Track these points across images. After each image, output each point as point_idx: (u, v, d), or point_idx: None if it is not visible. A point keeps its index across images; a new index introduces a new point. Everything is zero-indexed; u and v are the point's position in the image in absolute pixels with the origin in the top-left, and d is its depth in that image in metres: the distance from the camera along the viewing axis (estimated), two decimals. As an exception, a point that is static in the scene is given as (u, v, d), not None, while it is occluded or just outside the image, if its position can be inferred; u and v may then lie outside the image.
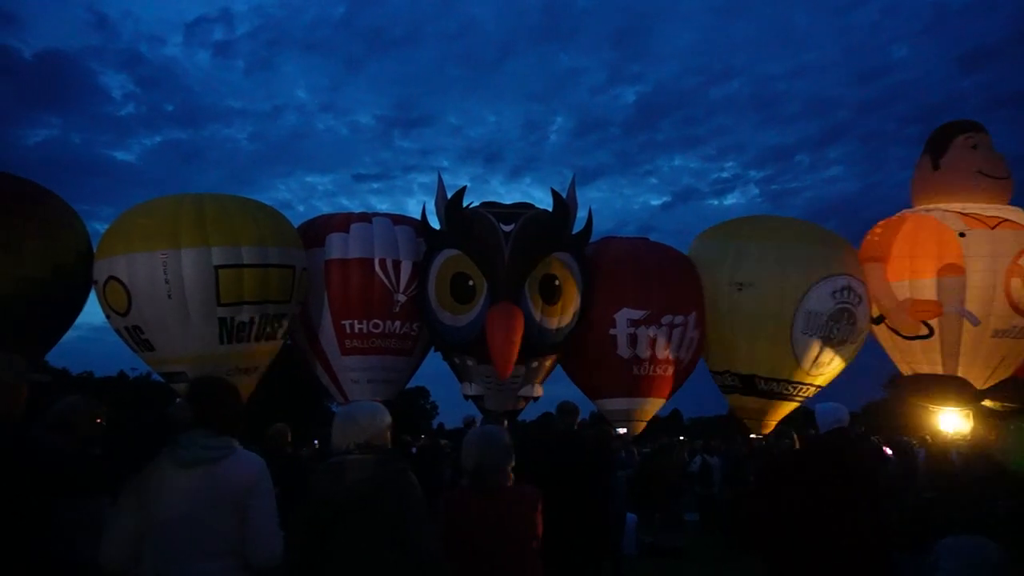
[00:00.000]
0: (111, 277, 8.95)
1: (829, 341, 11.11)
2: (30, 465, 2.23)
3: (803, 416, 13.02)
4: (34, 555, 2.23)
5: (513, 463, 2.94)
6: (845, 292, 11.12)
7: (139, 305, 8.87)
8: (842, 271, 11.18)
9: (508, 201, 10.79)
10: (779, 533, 3.37)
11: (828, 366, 11.40)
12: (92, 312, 10.13)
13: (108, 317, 9.36)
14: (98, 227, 9.91)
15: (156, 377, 10.51)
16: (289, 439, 6.90)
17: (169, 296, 8.74)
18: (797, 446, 6.07)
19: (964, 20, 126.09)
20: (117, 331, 9.40)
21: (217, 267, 8.88)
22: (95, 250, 9.45)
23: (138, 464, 2.40)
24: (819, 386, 11.62)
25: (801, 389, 11.44)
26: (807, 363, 11.15)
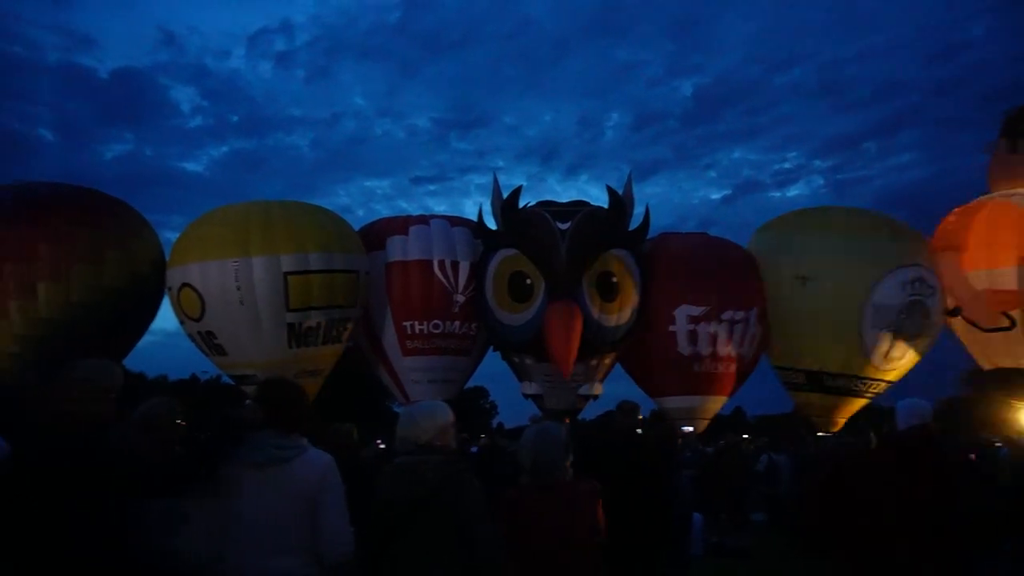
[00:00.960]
0: (185, 284, 9.28)
1: (900, 335, 10.69)
2: (116, 466, 2.32)
3: (872, 414, 12.58)
4: (119, 552, 2.31)
5: (571, 459, 2.92)
6: (917, 284, 10.69)
7: (212, 311, 9.18)
8: (913, 262, 10.75)
9: (564, 199, 10.78)
10: (852, 534, 3.26)
11: (900, 361, 10.97)
12: (165, 317, 10.56)
13: (182, 322, 9.72)
14: (169, 236, 10.37)
15: (226, 379, 10.87)
16: (355, 439, 7.01)
17: (241, 302, 9.02)
18: (874, 445, 5.86)
19: None
20: (190, 336, 9.75)
21: (286, 274, 9.13)
22: (168, 258, 9.85)
23: (212, 465, 2.49)
24: (890, 382, 11.20)
25: (871, 385, 11.05)
26: (877, 358, 10.77)
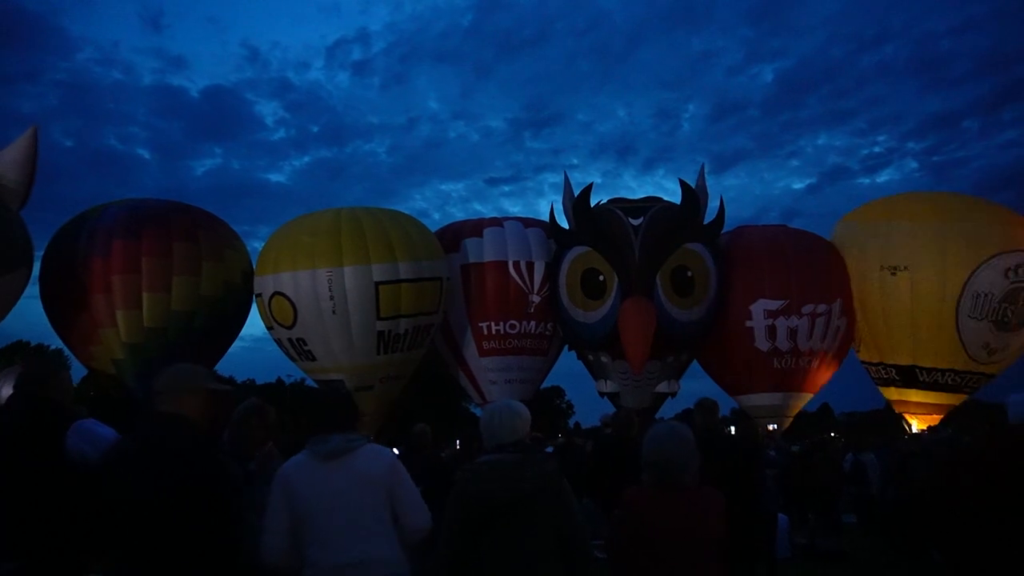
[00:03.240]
0: (277, 292, 9.59)
1: (1003, 325, 10.08)
2: (210, 463, 2.42)
3: (973, 409, 11.90)
4: (225, 545, 2.41)
5: (699, 462, 2.86)
6: (1020, 270, 10.05)
7: (304, 319, 9.47)
8: (1015, 247, 10.11)
9: (640, 195, 10.71)
10: (963, 535, 3.08)
11: (1002, 353, 10.34)
12: (253, 324, 11.02)
13: (271, 328, 10.09)
14: (256, 245, 10.84)
15: (311, 383, 11.24)
16: (431, 439, 7.13)
17: (334, 312, 9.31)
18: (982, 441, 5.51)
19: None
20: (279, 341, 10.13)
21: (378, 283, 9.38)
22: (256, 265, 10.25)
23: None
24: (992, 375, 10.57)
25: (970, 379, 10.45)
26: (976, 350, 10.18)
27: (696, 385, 11.27)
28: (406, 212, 10.86)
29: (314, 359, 9.77)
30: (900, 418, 11.20)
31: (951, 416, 10.64)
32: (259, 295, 9.98)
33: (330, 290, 9.26)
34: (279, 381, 35.67)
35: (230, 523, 2.42)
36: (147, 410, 2.56)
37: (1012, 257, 10.04)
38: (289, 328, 9.66)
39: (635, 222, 9.58)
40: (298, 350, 9.83)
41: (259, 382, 36.62)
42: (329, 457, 2.60)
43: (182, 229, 9.81)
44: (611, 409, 10.52)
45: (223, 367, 11.26)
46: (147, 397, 2.55)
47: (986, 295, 9.98)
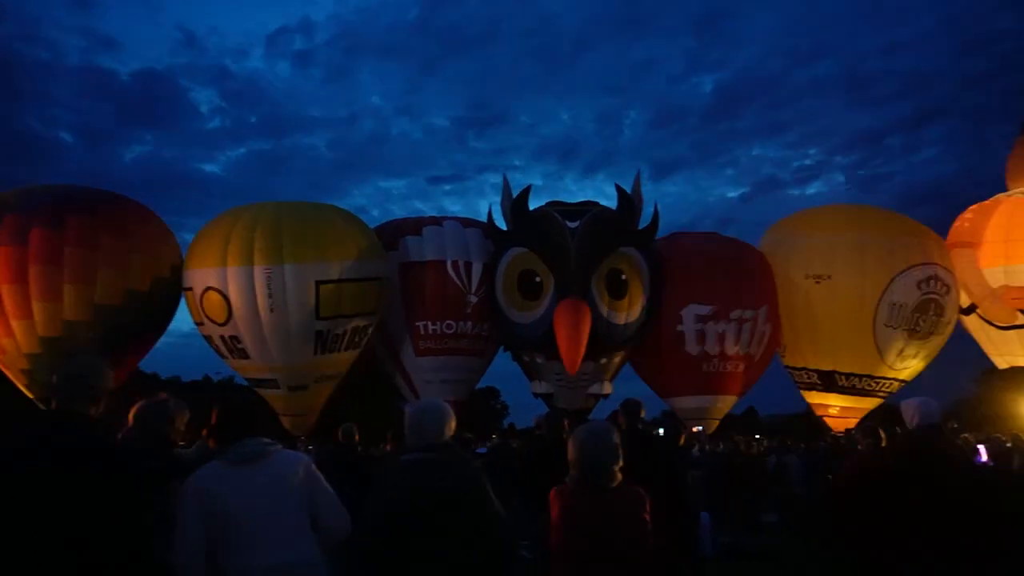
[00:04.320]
0: (210, 288, 9.23)
1: (915, 334, 10.63)
2: (100, 463, 2.32)
3: (887, 413, 12.49)
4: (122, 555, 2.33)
5: (621, 463, 2.91)
6: (932, 282, 10.62)
7: (239, 316, 9.15)
8: (927, 260, 10.68)
9: (580, 199, 10.83)
10: (870, 533, 3.25)
11: (913, 360, 10.90)
12: (180, 319, 10.65)
13: (200, 324, 9.73)
14: (186, 237, 10.42)
15: (240, 381, 10.95)
16: (357, 439, 7.05)
17: (271, 310, 9.03)
18: (884, 444, 5.81)
19: None
20: (209, 338, 9.79)
21: (318, 282, 9.15)
22: (186, 258, 9.84)
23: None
24: (904, 381, 11.13)
25: (885, 384, 10.98)
26: (891, 357, 10.70)
27: (629, 387, 11.47)
28: (345, 208, 10.68)
29: (247, 357, 9.48)
30: (820, 421, 11.67)
31: (867, 419, 11.14)
32: (189, 289, 9.61)
33: (268, 288, 8.98)
34: (206, 378, 34.60)
35: (132, 523, 2.34)
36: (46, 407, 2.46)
37: (925, 270, 10.60)
38: (222, 325, 9.35)
39: (572, 225, 9.69)
40: (230, 348, 9.53)
41: (185, 379, 35.43)
42: (244, 462, 2.57)
43: (109, 219, 9.37)
44: (545, 410, 10.62)
45: (147, 363, 10.84)
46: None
47: (901, 305, 10.50)
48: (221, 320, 9.31)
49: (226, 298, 9.13)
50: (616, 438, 2.89)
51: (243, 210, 9.85)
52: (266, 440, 2.66)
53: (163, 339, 10.72)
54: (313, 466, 2.71)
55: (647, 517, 2.83)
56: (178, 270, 9.88)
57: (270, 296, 9.00)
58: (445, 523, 2.61)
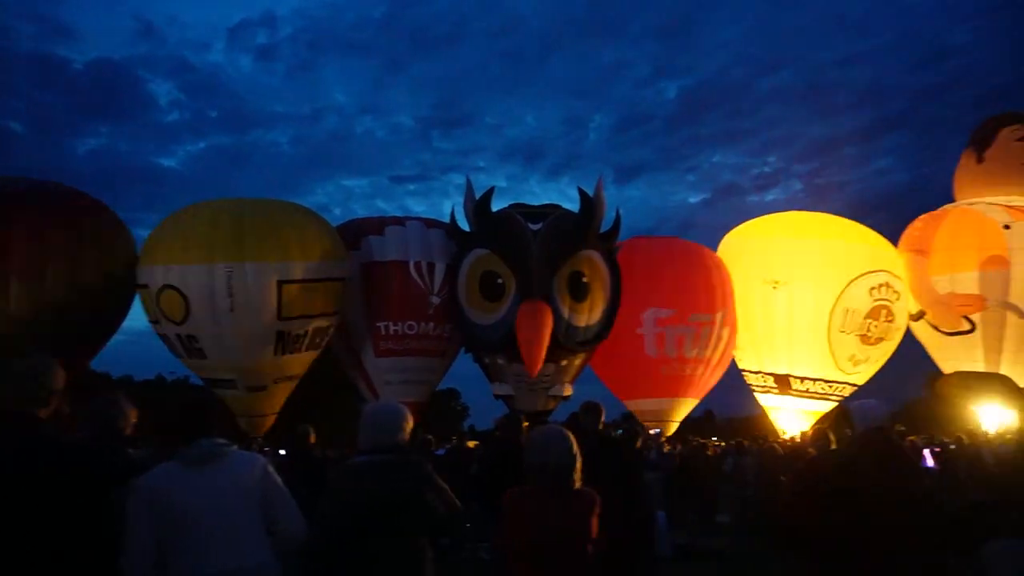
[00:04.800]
0: (168, 286, 8.97)
1: (867, 339, 10.91)
2: (51, 462, 2.25)
3: (841, 416, 12.77)
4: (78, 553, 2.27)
5: (579, 465, 2.93)
6: (883, 289, 10.91)
7: (198, 315, 8.92)
8: (880, 267, 10.98)
9: (545, 201, 10.88)
10: (819, 534, 3.32)
11: (866, 364, 11.19)
12: (133, 316, 10.37)
13: (156, 323, 9.47)
14: (141, 233, 10.13)
15: (196, 381, 10.72)
16: (313, 440, 6.97)
17: (231, 309, 8.83)
18: (834, 446, 5.96)
19: None
20: (164, 337, 9.53)
21: (281, 282, 8.98)
22: (142, 254, 9.54)
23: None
24: (856, 385, 11.41)
25: (838, 388, 11.25)
26: (844, 361, 10.96)
27: (589, 389, 11.54)
28: (307, 206, 10.52)
29: (204, 357, 9.25)
30: (775, 424, 11.91)
31: (820, 422, 11.40)
32: (145, 287, 9.34)
33: (229, 287, 8.78)
34: (159, 378, 33.79)
35: (92, 524, 2.28)
36: None
37: (877, 277, 10.90)
38: (179, 324, 9.09)
39: (534, 227, 9.72)
40: (186, 347, 9.28)
41: (137, 378, 34.55)
42: (198, 463, 2.51)
43: (59, 212, 9.06)
44: (506, 412, 10.63)
45: (98, 362, 10.53)
46: None
47: (854, 311, 10.77)
48: (178, 319, 9.07)
49: (184, 296, 8.90)
50: (573, 440, 2.91)
51: (203, 206, 9.63)
52: (221, 440, 2.59)
53: (115, 337, 10.43)
54: (270, 468, 2.65)
55: (599, 519, 2.86)
56: (132, 266, 9.61)
57: (231, 295, 8.80)
58: (394, 525, 2.60)
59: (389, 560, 2.59)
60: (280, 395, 10.01)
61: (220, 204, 9.63)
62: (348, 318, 10.45)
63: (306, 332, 9.42)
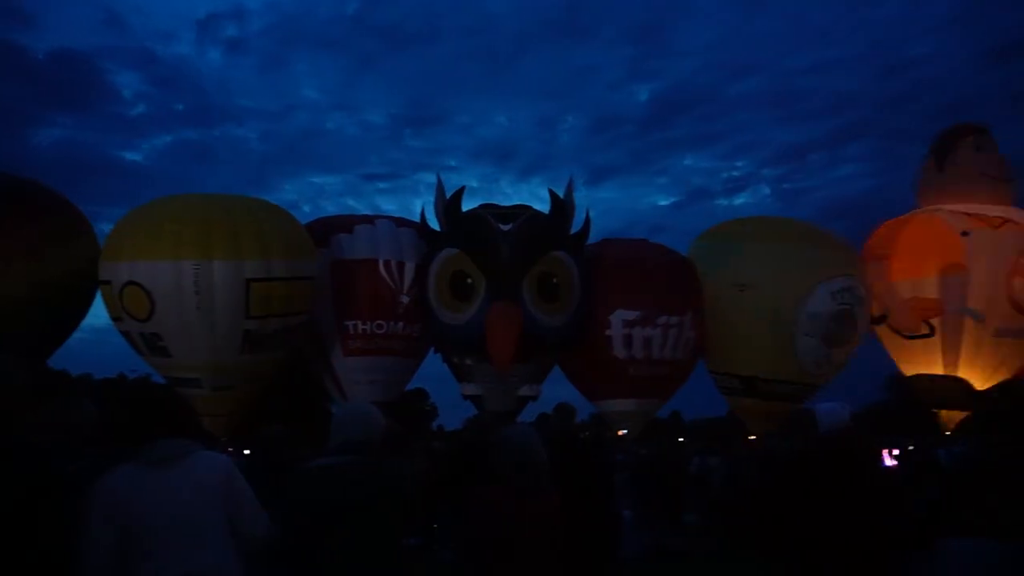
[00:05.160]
0: (132, 282, 8.76)
1: (830, 342, 11.09)
2: (13, 467, 2.20)
3: (805, 418, 12.98)
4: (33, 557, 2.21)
5: (547, 466, 2.94)
6: (846, 293, 11.11)
7: (163, 313, 8.72)
8: (843, 272, 11.17)
9: (516, 202, 10.90)
10: (786, 534, 3.37)
11: (830, 367, 11.38)
12: (93, 313, 10.15)
13: (118, 320, 9.25)
14: (105, 227, 9.90)
15: (157, 378, 10.53)
16: (284, 441, 6.88)
17: (198, 307, 8.65)
18: (798, 447, 6.07)
19: (992, 13, 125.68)
20: (126, 334, 9.32)
21: (249, 280, 8.83)
22: (105, 249, 9.33)
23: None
24: (820, 386, 11.60)
25: (802, 390, 11.43)
26: (808, 364, 11.14)
27: (557, 390, 11.57)
28: (275, 203, 10.37)
29: (169, 356, 9.05)
30: (741, 425, 12.06)
31: (785, 423, 11.58)
32: (107, 283, 9.12)
33: (196, 284, 8.60)
34: (120, 377, 33.04)
35: (55, 529, 2.22)
36: None
37: (841, 281, 11.08)
38: (143, 321, 8.88)
39: (505, 227, 9.74)
40: (150, 345, 9.08)
41: (97, 376, 33.72)
42: (160, 464, 2.45)
43: (19, 205, 8.86)
44: (474, 412, 10.62)
45: (57, 359, 10.28)
46: None
47: (818, 314, 10.94)
48: (142, 316, 8.87)
49: (149, 293, 8.70)
50: (540, 441, 2.93)
51: (169, 201, 9.41)
52: (184, 441, 2.54)
53: (74, 334, 10.20)
54: (235, 469, 2.62)
55: (561, 520, 2.87)
56: (94, 262, 9.40)
57: (197, 293, 8.63)
58: (361, 528, 2.58)
59: (354, 561, 2.57)
60: (247, 395, 9.87)
61: (187, 199, 9.44)
62: (317, 317, 10.35)
63: (274, 331, 9.29)
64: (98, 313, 9.91)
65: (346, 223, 10.73)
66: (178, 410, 2.72)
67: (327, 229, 10.62)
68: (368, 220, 10.81)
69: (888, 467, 8.72)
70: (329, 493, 2.60)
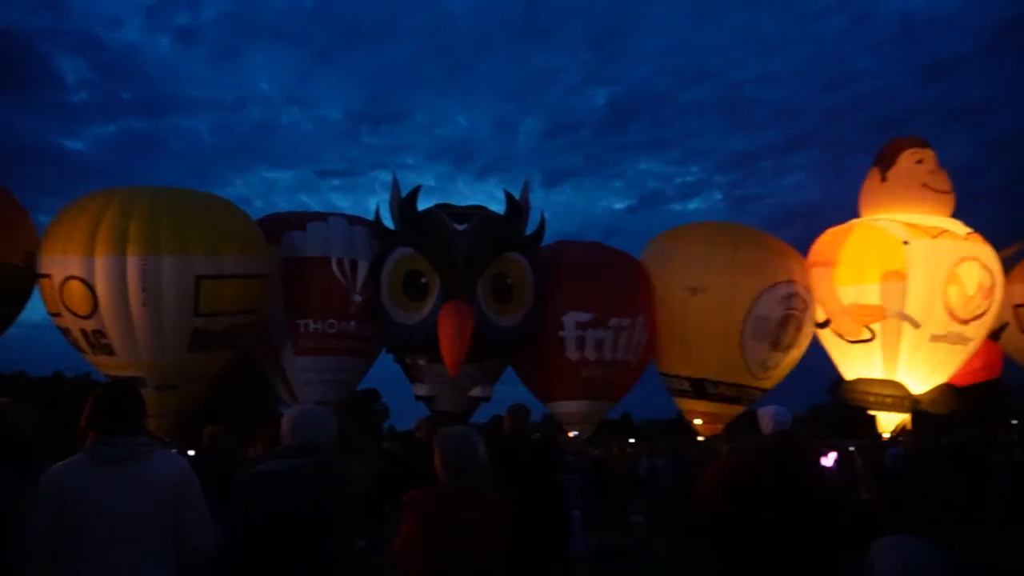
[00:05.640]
0: (73, 277, 8.45)
1: (777, 346, 11.38)
2: None
3: (749, 419, 13.29)
4: None
5: (487, 466, 2.92)
6: (793, 299, 11.41)
7: (107, 309, 8.42)
8: (790, 278, 11.47)
9: (473, 202, 10.88)
10: (727, 535, 3.44)
11: (775, 370, 11.67)
12: (28, 308, 9.77)
13: (57, 315, 8.91)
14: (43, 219, 9.56)
15: (97, 378, 10.20)
16: (225, 442, 6.76)
17: (144, 304, 8.39)
18: (741, 449, 6.20)
19: (928, 33, 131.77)
20: (66, 331, 8.98)
21: (200, 277, 8.59)
22: (44, 241, 8.97)
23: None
24: (766, 389, 11.88)
25: (749, 393, 11.69)
26: (755, 367, 11.40)
27: (510, 391, 11.60)
28: (225, 198, 10.12)
29: (112, 353, 8.76)
30: (690, 426, 12.27)
31: (730, 425, 11.83)
32: (46, 277, 8.79)
33: (143, 280, 8.34)
34: (57, 375, 31.86)
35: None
36: None
37: (788, 287, 11.39)
38: (84, 318, 8.57)
39: (460, 227, 9.72)
40: (91, 342, 8.77)
41: (32, 374, 32.48)
42: (112, 463, 2.34)
43: None
44: (426, 413, 10.57)
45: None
46: None
47: (766, 319, 11.21)
48: (84, 312, 8.56)
49: (92, 289, 8.40)
50: (482, 442, 2.92)
51: (114, 193, 9.06)
52: (142, 440, 2.43)
53: (11, 330, 9.81)
54: (191, 474, 2.49)
55: (507, 521, 2.87)
56: (32, 255, 9.05)
57: (144, 289, 8.36)
58: (311, 530, 2.54)
59: (305, 564, 2.52)
60: (192, 394, 9.62)
61: (133, 192, 9.10)
62: (267, 315, 10.17)
63: (224, 330, 9.07)
64: (34, 307, 9.56)
65: (299, 220, 10.55)
66: (141, 405, 2.56)
67: (279, 225, 10.43)
68: (321, 217, 10.65)
69: (826, 468, 8.98)
70: (282, 496, 2.53)
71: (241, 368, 11.97)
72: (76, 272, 8.46)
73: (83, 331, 8.73)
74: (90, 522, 2.28)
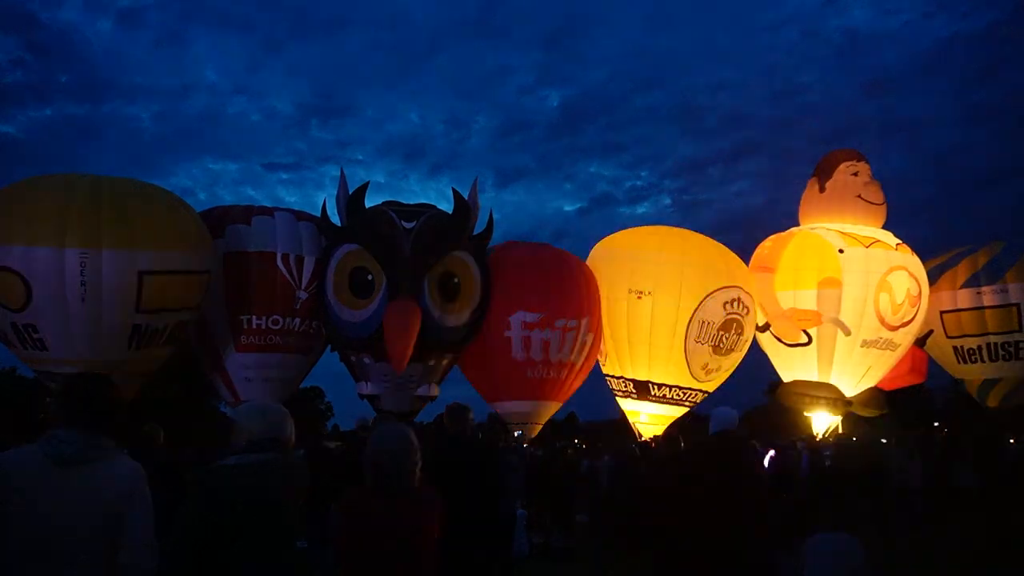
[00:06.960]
0: (4, 268, 8.01)
1: (719, 349, 11.65)
2: None
3: (692, 420, 13.58)
4: None
5: (420, 464, 2.89)
6: (735, 304, 11.70)
7: (41, 303, 8.02)
8: (732, 283, 11.76)
9: (423, 200, 10.80)
10: (665, 533, 3.51)
11: (716, 373, 11.95)
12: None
13: None
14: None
15: (25, 373, 9.75)
16: (161, 441, 6.54)
17: (83, 300, 8.01)
18: (682, 448, 6.32)
19: (871, 49, 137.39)
20: None
21: (142, 272, 8.25)
22: None
23: None
24: (707, 392, 12.16)
25: (691, 395, 11.94)
26: (697, 370, 11.65)
27: (456, 390, 11.58)
28: (167, 189, 9.79)
29: (44, 349, 8.36)
30: (631, 427, 12.46)
31: (672, 426, 12.06)
32: None
33: (82, 275, 7.97)
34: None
35: None
36: None
37: (730, 292, 11.69)
38: (16, 311, 8.14)
39: (407, 225, 9.66)
40: (23, 337, 8.34)
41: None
42: (63, 463, 2.19)
43: None
44: (371, 412, 10.46)
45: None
46: None
47: (709, 323, 11.48)
48: (16, 306, 8.13)
49: (25, 281, 7.98)
50: (415, 440, 2.89)
51: (50, 180, 8.63)
52: (98, 440, 2.26)
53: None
54: (143, 484, 2.32)
55: (439, 519, 2.87)
56: None
57: (83, 284, 7.99)
58: (267, 528, 2.46)
59: (258, 563, 2.45)
60: (129, 392, 9.28)
61: (71, 180, 8.66)
62: (207, 310, 9.90)
63: (166, 326, 8.76)
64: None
65: (243, 213, 10.30)
66: (100, 403, 2.36)
67: (223, 218, 10.16)
68: (267, 212, 10.42)
69: (763, 467, 9.24)
70: (245, 493, 2.44)
71: (177, 364, 11.59)
72: (8, 263, 8.05)
73: (14, 325, 8.32)
74: (19, 521, 2.13)
